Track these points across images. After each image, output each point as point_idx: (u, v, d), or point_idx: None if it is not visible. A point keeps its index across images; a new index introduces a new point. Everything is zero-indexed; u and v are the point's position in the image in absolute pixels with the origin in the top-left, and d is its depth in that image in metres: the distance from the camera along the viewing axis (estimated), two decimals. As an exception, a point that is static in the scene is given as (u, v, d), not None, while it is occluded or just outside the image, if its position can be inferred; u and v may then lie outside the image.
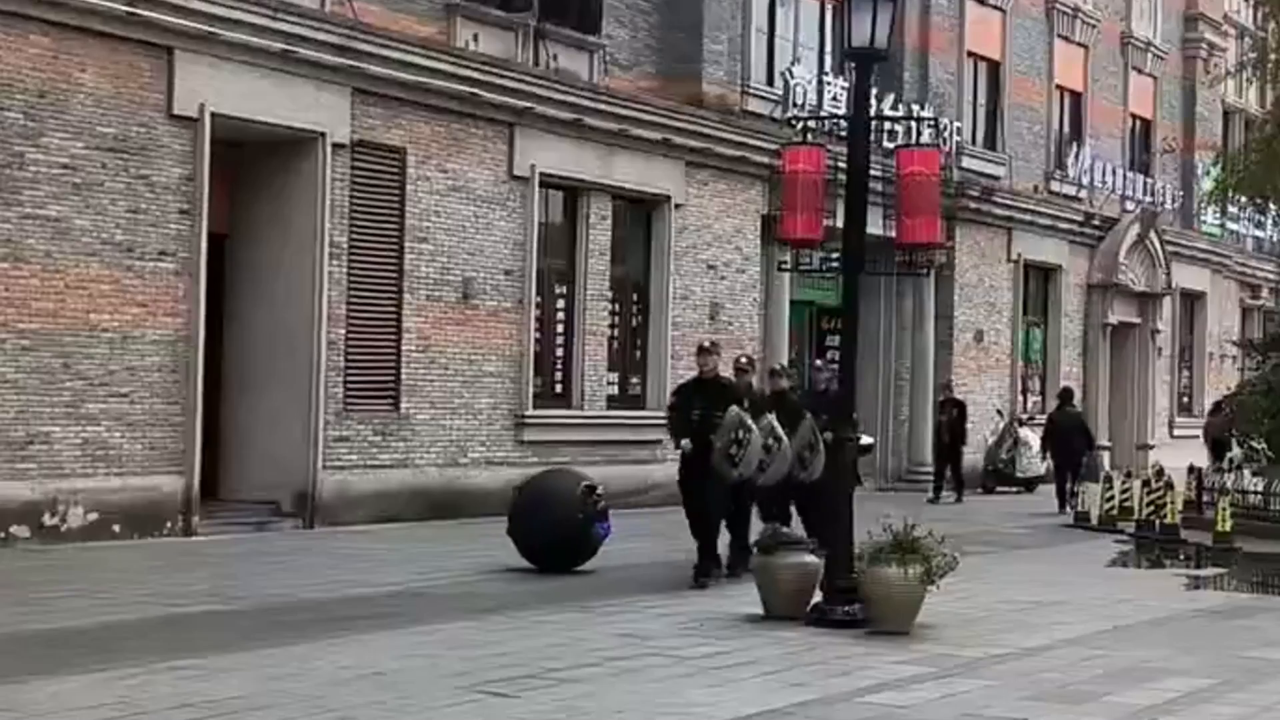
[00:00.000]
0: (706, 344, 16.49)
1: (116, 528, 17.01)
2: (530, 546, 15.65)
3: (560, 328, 23.22)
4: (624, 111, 23.43)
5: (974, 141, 32.71)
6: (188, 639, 11.19)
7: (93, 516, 16.85)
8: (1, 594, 13.09)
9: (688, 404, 15.42)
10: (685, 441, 15.14)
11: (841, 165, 13.78)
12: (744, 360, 16.73)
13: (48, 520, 16.48)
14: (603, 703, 9.39)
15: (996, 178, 32.88)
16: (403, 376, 20.51)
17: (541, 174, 22.29)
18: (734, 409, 14.80)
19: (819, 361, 19.64)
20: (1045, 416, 30.18)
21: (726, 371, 16.46)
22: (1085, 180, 35.65)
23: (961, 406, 29.03)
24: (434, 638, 11.61)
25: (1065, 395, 28.43)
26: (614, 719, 8.93)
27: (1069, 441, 26.61)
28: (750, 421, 14.77)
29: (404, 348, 20.53)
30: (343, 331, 19.61)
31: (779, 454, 15.17)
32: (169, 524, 17.58)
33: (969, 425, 29.29)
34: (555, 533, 15.44)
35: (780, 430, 15.23)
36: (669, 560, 16.07)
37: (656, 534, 18.08)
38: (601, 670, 10.46)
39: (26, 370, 16.31)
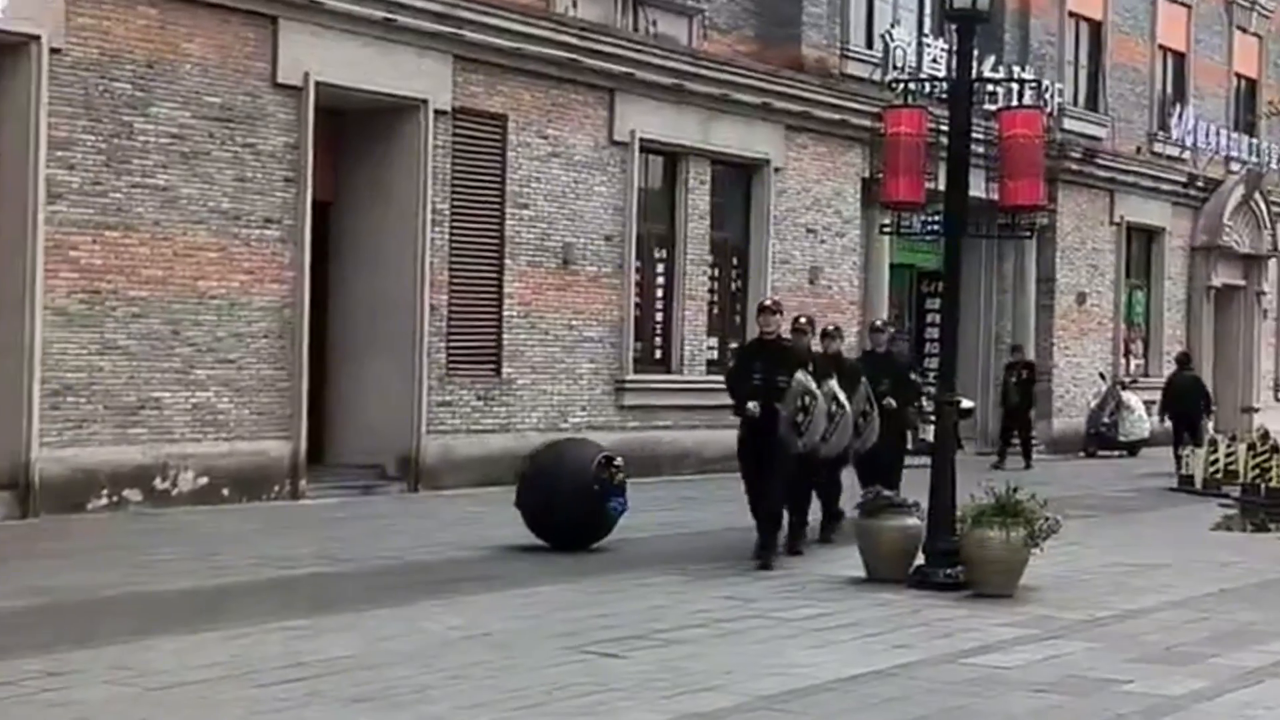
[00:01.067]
0: (768, 302, 15.24)
1: (225, 491, 17.26)
2: (540, 522, 14.51)
3: (660, 293, 23.27)
4: (723, 76, 23.41)
5: (1076, 103, 32.36)
6: (297, 600, 11.38)
7: (202, 480, 17.10)
8: (115, 556, 13.35)
9: (747, 367, 14.26)
10: (752, 405, 13.82)
11: (942, 128, 13.77)
12: (802, 320, 15.56)
13: (158, 484, 16.75)
14: (707, 663, 9.46)
15: (1099, 139, 32.54)
16: (504, 342, 20.65)
17: (641, 139, 22.32)
18: (799, 374, 13.83)
19: (877, 321, 18.53)
20: (1162, 379, 29.86)
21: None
22: (1188, 141, 35.18)
23: (1031, 368, 28.30)
24: (538, 599, 11.74)
25: (1183, 359, 28.13)
26: (719, 679, 8.99)
27: (1186, 404, 26.33)
28: (815, 387, 13.94)
29: (505, 313, 20.66)
30: (445, 298, 19.76)
31: (842, 422, 14.57)
32: (276, 488, 17.81)
33: (1037, 388, 28.79)
34: (567, 508, 14.27)
35: (843, 397, 14.62)
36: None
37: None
38: (706, 631, 10.54)
39: (137, 337, 16.55)
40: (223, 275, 17.33)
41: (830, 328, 16.46)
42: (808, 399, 13.75)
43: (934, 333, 28.87)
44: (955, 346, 13.82)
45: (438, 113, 19.49)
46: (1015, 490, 12.41)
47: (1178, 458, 24.75)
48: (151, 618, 10.50)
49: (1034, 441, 28.10)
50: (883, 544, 12.97)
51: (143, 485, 16.59)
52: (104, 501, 16.18)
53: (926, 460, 13.48)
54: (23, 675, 8.54)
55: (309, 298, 18.15)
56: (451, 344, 19.90)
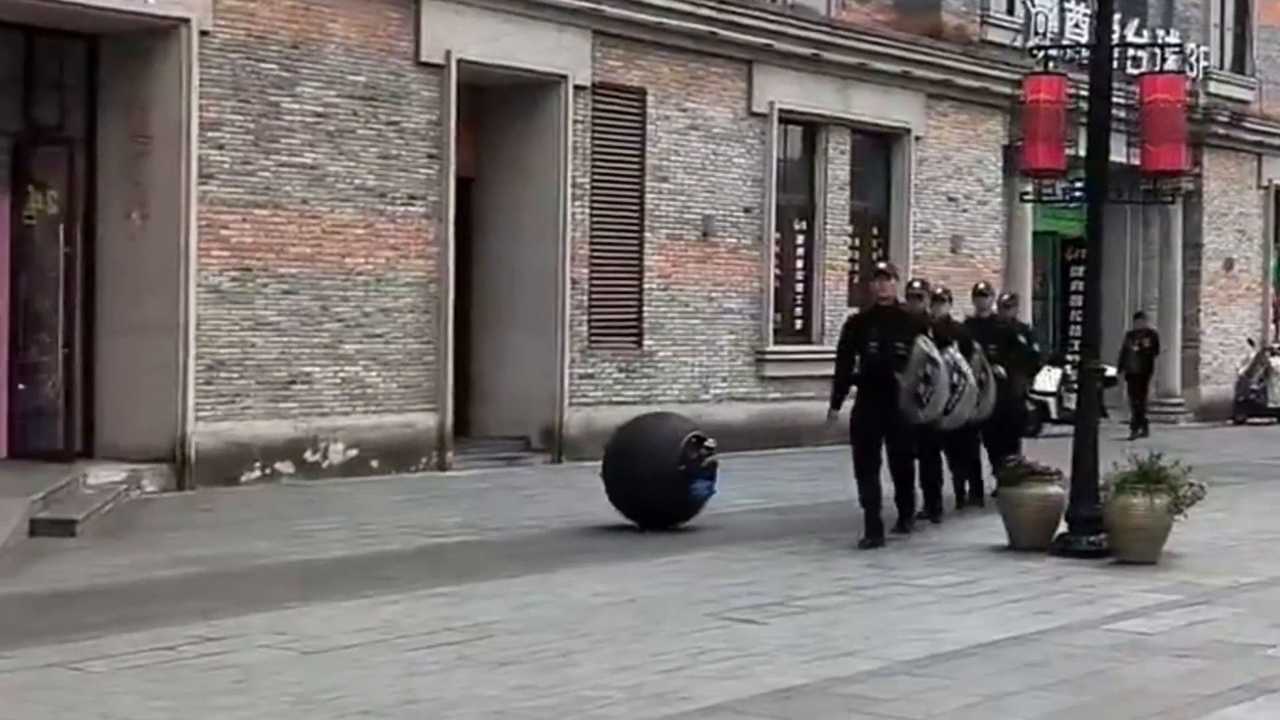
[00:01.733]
0: (883, 265, 14.58)
1: (374, 463, 17.60)
2: (623, 497, 13.90)
3: (800, 263, 23.31)
4: (861, 45, 23.37)
5: (1222, 66, 31.84)
6: (446, 567, 11.64)
7: (352, 453, 17.45)
8: (268, 526, 13.70)
9: (862, 336, 13.26)
10: (836, 413, 13.38)
11: (1084, 94, 13.67)
12: (917, 285, 14.93)
13: (309, 457, 17.12)
14: (847, 629, 9.57)
15: (1246, 102, 32.01)
16: (645, 314, 20.82)
17: (780, 110, 22.36)
18: (920, 341, 12.97)
19: (980, 285, 17.33)
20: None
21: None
22: (1340, 103, 34.50)
23: (1154, 337, 27.62)
24: (680, 567, 11.90)
25: None
26: (858, 644, 9.09)
27: None
28: (938, 355, 13.14)
29: (646, 286, 20.83)
30: (586, 271, 19.97)
31: (965, 392, 13.80)
32: (423, 459, 18.13)
33: (1159, 358, 28.08)
34: (650, 489, 13.64)
35: (965, 365, 13.86)
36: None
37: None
38: (846, 599, 10.64)
39: (287, 313, 16.92)
40: (369, 252, 17.65)
41: (940, 290, 15.65)
42: (930, 368, 12.97)
43: (1079, 300, 28.67)
44: (1099, 314, 13.73)
45: (577, 88, 19.68)
46: (1159, 457, 12.35)
47: None
48: (305, 585, 10.80)
49: (1150, 411, 27.30)
50: (1025, 512, 12.97)
51: (294, 457, 16.96)
52: (257, 474, 16.57)
53: (1066, 429, 13.44)
54: (182, 640, 8.85)
55: (453, 273, 18.41)
56: (593, 317, 20.10)
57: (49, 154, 16.23)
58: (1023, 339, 16.80)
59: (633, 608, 10.21)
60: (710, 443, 13.95)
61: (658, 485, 13.58)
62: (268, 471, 16.67)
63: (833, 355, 13.77)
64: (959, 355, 13.76)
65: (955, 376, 13.49)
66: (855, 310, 16.56)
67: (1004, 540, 13.10)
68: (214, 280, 16.31)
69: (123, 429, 16.08)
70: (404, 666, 8.36)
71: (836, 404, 13.35)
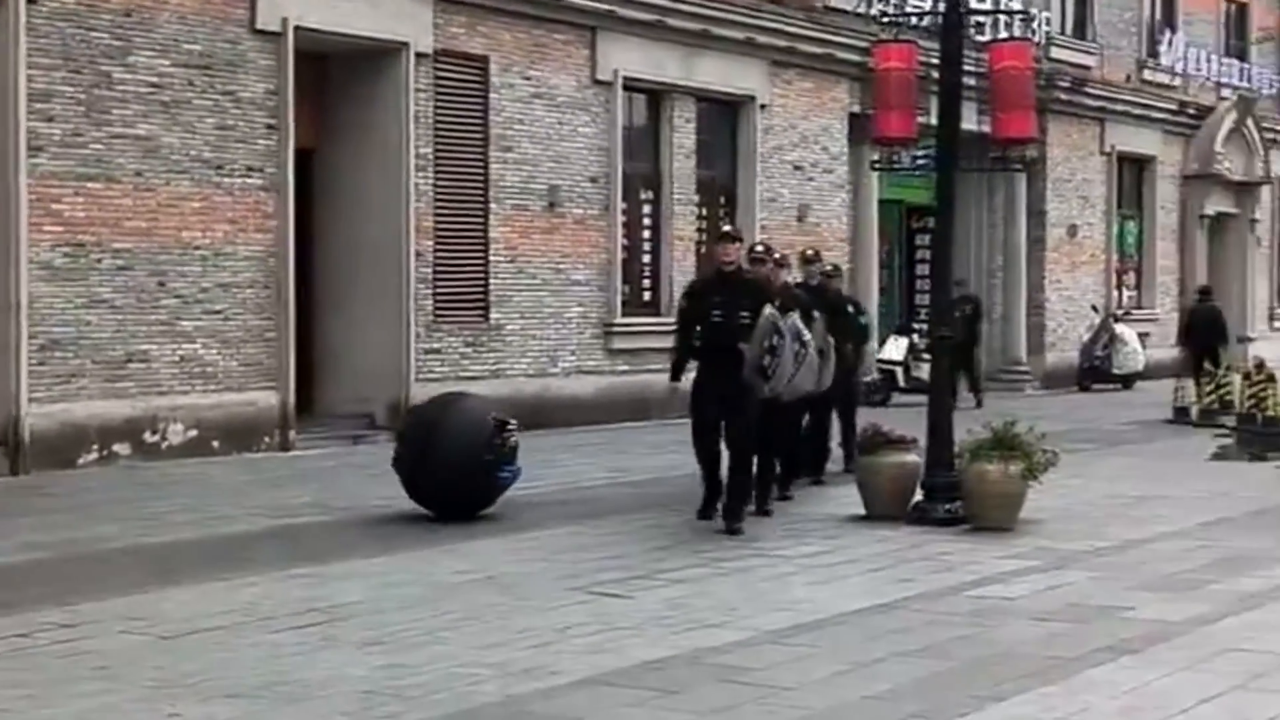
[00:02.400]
0: (727, 229, 14.15)
1: (215, 443, 17.54)
2: (422, 486, 13.27)
3: (647, 234, 23.54)
4: (705, 11, 23.60)
5: (1064, 31, 32.56)
6: (300, 549, 11.68)
7: (192, 433, 17.38)
8: (112, 510, 13.63)
9: (704, 304, 12.85)
10: (679, 383, 12.95)
11: (933, 61, 14.02)
12: (760, 249, 13.99)
13: (148, 437, 17.02)
14: (712, 600, 9.80)
15: (1087, 68, 32.78)
16: (491, 287, 20.92)
17: (624, 78, 22.54)
18: (768, 310, 12.47)
19: (809, 251, 16.81)
20: (1155, 311, 30.07)
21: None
22: (1179, 68, 35.46)
23: (976, 304, 27.46)
24: (541, 542, 12.06)
25: (1204, 290, 28.41)
26: (725, 615, 9.33)
27: (1207, 335, 26.63)
28: (783, 324, 12.64)
29: (492, 258, 20.92)
30: (430, 243, 20.01)
31: (806, 362, 13.25)
32: (266, 439, 18.10)
33: (983, 326, 28.19)
34: (452, 478, 12.94)
35: (807, 334, 13.25)
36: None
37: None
38: (708, 570, 10.87)
39: (123, 289, 16.78)
40: (206, 225, 17.55)
41: (779, 255, 15.04)
42: (775, 338, 12.44)
43: (924, 269, 29.22)
44: (949, 281, 14.11)
45: (419, 56, 19.70)
46: (1013, 424, 12.74)
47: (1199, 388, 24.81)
48: (158, 569, 10.79)
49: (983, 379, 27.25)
50: (881, 480, 13.30)
51: (132, 439, 16.85)
52: (94, 456, 16.45)
53: (915, 398, 13.74)
54: (37, 627, 8.84)
55: (294, 247, 18.37)
56: (438, 290, 20.16)
57: None
58: (850, 309, 16.91)
59: (495, 585, 10.35)
60: (513, 424, 13.38)
61: (462, 475, 12.91)
62: (105, 453, 16.55)
63: (680, 327, 13.27)
64: (800, 324, 13.20)
65: (797, 346, 12.92)
66: (688, 279, 16.30)
67: (860, 510, 13.43)
68: (46, 257, 16.14)
69: (-48, 412, 15.90)
70: (268, 649, 8.44)
71: (677, 375, 12.99)
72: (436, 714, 7.20)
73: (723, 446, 12.79)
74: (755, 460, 12.96)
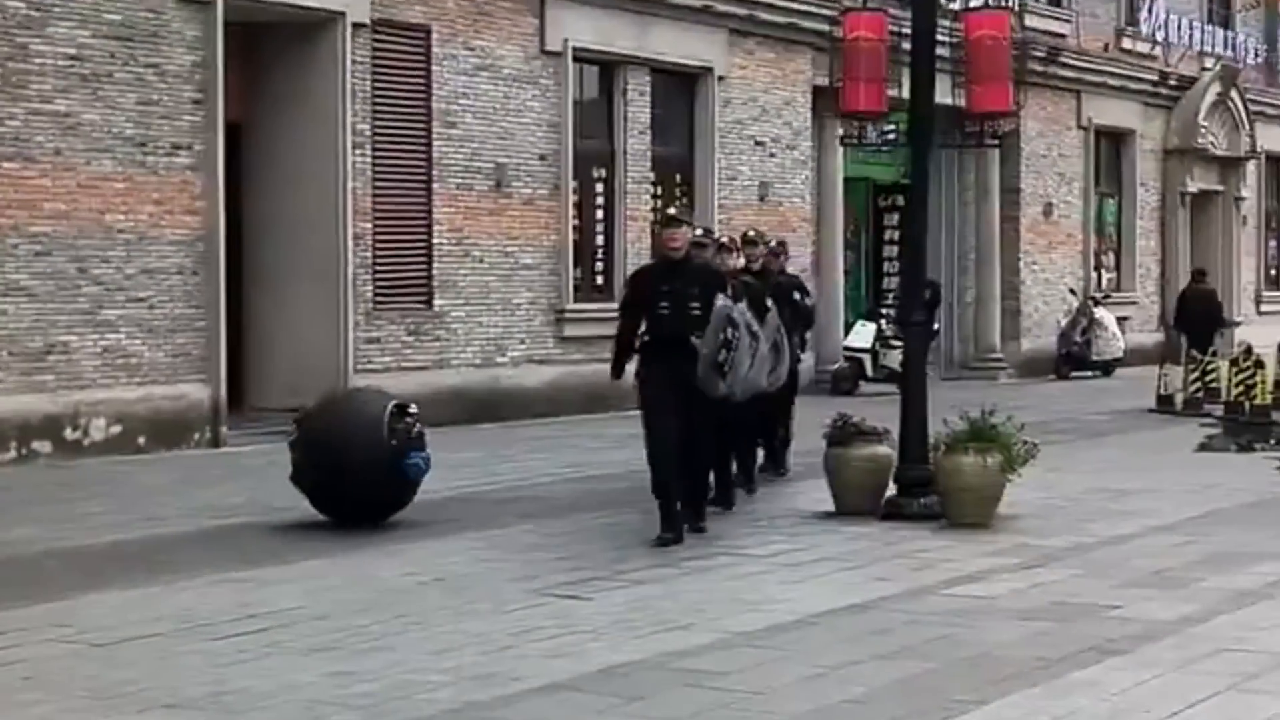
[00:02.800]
0: (673, 210, 13.61)
1: (141, 440, 17.51)
2: (324, 493, 12.85)
3: (600, 214, 23.59)
4: (660, -23, 23.71)
5: (1038, -2, 32.78)
6: (235, 551, 11.69)
7: (116, 429, 17.36)
8: (33, 511, 13.61)
9: (651, 294, 12.30)
10: (616, 371, 12.57)
11: (904, 30, 14.12)
12: (700, 232, 13.49)
13: (69, 434, 16.99)
14: (677, 602, 9.88)
15: (1063, 36, 32.96)
16: (435, 272, 20.95)
17: (575, 48, 22.58)
18: (721, 300, 12.01)
19: (750, 232, 16.15)
20: (1135, 294, 30.24)
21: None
22: (1159, 36, 35.68)
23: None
24: (492, 542, 12.13)
25: (1199, 273, 28.65)
26: (692, 617, 9.41)
27: (1200, 319, 26.85)
28: (737, 316, 12.12)
29: (435, 241, 20.95)
30: (369, 225, 20.03)
31: (759, 357, 12.62)
32: (196, 435, 18.09)
33: (941, 312, 26.31)
34: (358, 476, 12.49)
35: (756, 325, 12.61)
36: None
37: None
38: (672, 570, 10.94)
39: (41, 276, 16.75)
40: (130, 207, 17.53)
41: (725, 239, 14.87)
42: (731, 331, 11.95)
43: (892, 250, 29.39)
44: (922, 264, 14.21)
45: (356, 25, 19.71)
46: (991, 414, 12.84)
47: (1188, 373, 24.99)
48: (84, 573, 10.80)
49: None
50: (851, 474, 13.39)
51: (52, 435, 16.82)
52: (11, 454, 16.41)
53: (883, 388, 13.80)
54: (-43, 635, 8.84)
55: (224, 229, 18.35)
56: (378, 275, 20.18)
57: None
58: (797, 295, 16.29)
59: (444, 587, 10.41)
60: (413, 409, 13.10)
61: (367, 470, 12.47)
62: (24, 451, 16.52)
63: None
64: (750, 315, 12.54)
65: (748, 339, 12.28)
66: (642, 264, 15.73)
67: (830, 505, 13.51)
68: (-42, 242, 16.12)
69: None
70: (207, 656, 8.46)
71: (618, 371, 12.55)
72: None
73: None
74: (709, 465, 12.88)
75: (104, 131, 17.26)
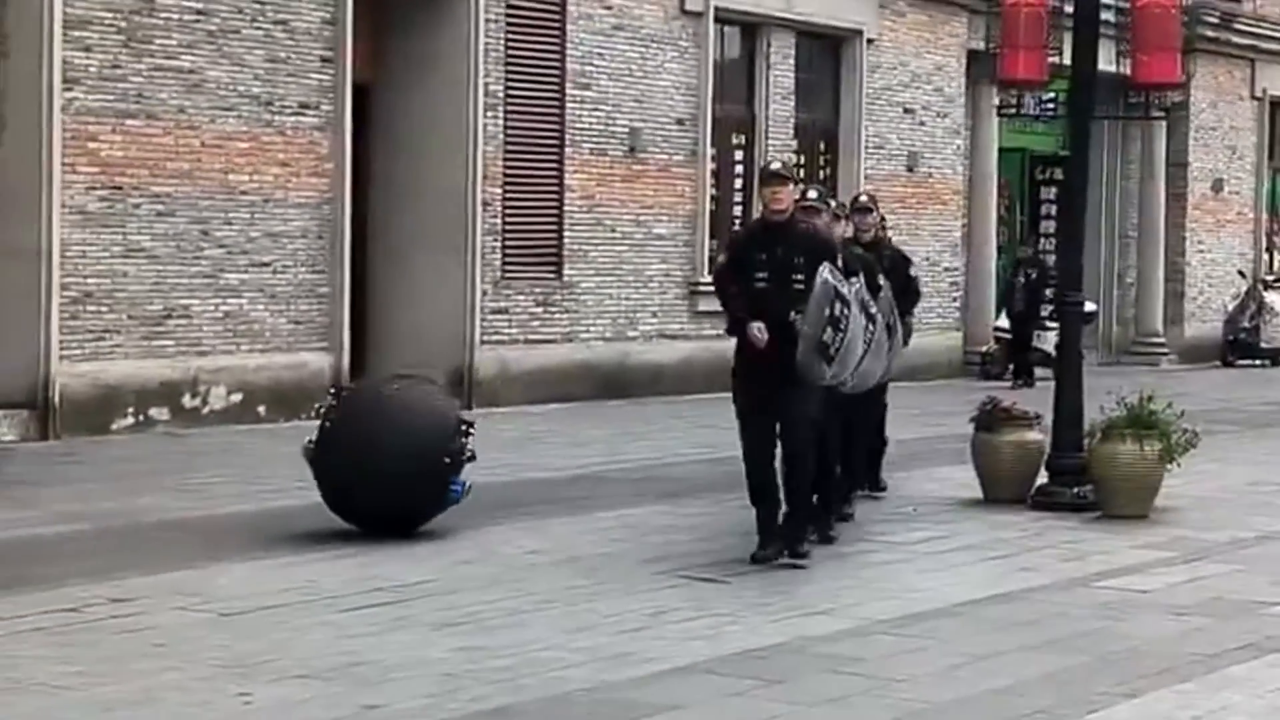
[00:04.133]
0: (776, 166, 11.99)
1: (261, 409, 18.01)
2: (351, 499, 11.61)
3: (739, 183, 23.87)
4: (809, -66, 23.94)
5: (1211, -41, 32.64)
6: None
7: (236, 397, 17.87)
8: (151, 480, 14.10)
9: (748, 263, 11.06)
10: (757, 326, 10.76)
11: (1066, -6, 14.26)
12: (813, 195, 12.08)
13: (188, 402, 17.51)
14: (815, 587, 10.21)
15: (1237, 0, 32.80)
16: (565, 241, 21.33)
17: (716, 8, 22.86)
18: (825, 271, 10.57)
19: (862, 197, 14.96)
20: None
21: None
22: (1343, 1, 35.40)
23: (1043, 268, 26.06)
24: (624, 522, 12.46)
25: None
26: (829, 603, 9.72)
27: None
28: (847, 291, 10.77)
29: (566, 208, 21.32)
30: (499, 191, 20.43)
31: (876, 342, 11.48)
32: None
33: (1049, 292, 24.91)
34: (401, 484, 11.31)
35: (874, 306, 11.51)
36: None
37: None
38: (811, 556, 11.21)
39: (162, 238, 17.27)
40: (255, 168, 18.02)
41: (839, 205, 13.40)
42: (840, 307, 10.56)
43: (1049, 226, 29.46)
44: (1081, 243, 14.36)
45: (490, -17, 20.14)
46: (1150, 399, 13.02)
47: None
48: (207, 542, 11.26)
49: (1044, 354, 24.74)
50: (1001, 461, 13.62)
51: (171, 403, 17.35)
52: (129, 421, 16.94)
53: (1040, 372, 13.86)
54: (84, 602, 9.28)
55: (350, 193, 18.83)
56: (507, 243, 20.59)
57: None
58: (913, 273, 14.88)
59: (576, 566, 10.76)
60: (473, 428, 11.94)
61: (413, 482, 11.38)
62: (141, 418, 17.04)
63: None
64: (866, 293, 11.40)
65: (864, 320, 11.07)
66: (739, 229, 14.25)
67: (977, 493, 13.75)
68: (80, 200, 16.64)
69: (-27, 371, 16.45)
70: (335, 628, 8.86)
71: (739, 324, 11.06)
72: (524, 699, 7.58)
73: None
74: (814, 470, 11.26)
75: (229, 89, 17.75)
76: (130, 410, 17.01)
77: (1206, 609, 9.81)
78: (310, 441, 11.89)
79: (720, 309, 12.10)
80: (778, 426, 10.94)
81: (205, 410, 17.63)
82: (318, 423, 12.17)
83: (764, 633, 8.87)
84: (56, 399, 16.37)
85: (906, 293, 14.02)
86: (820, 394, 10.95)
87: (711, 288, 22.59)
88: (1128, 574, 10.81)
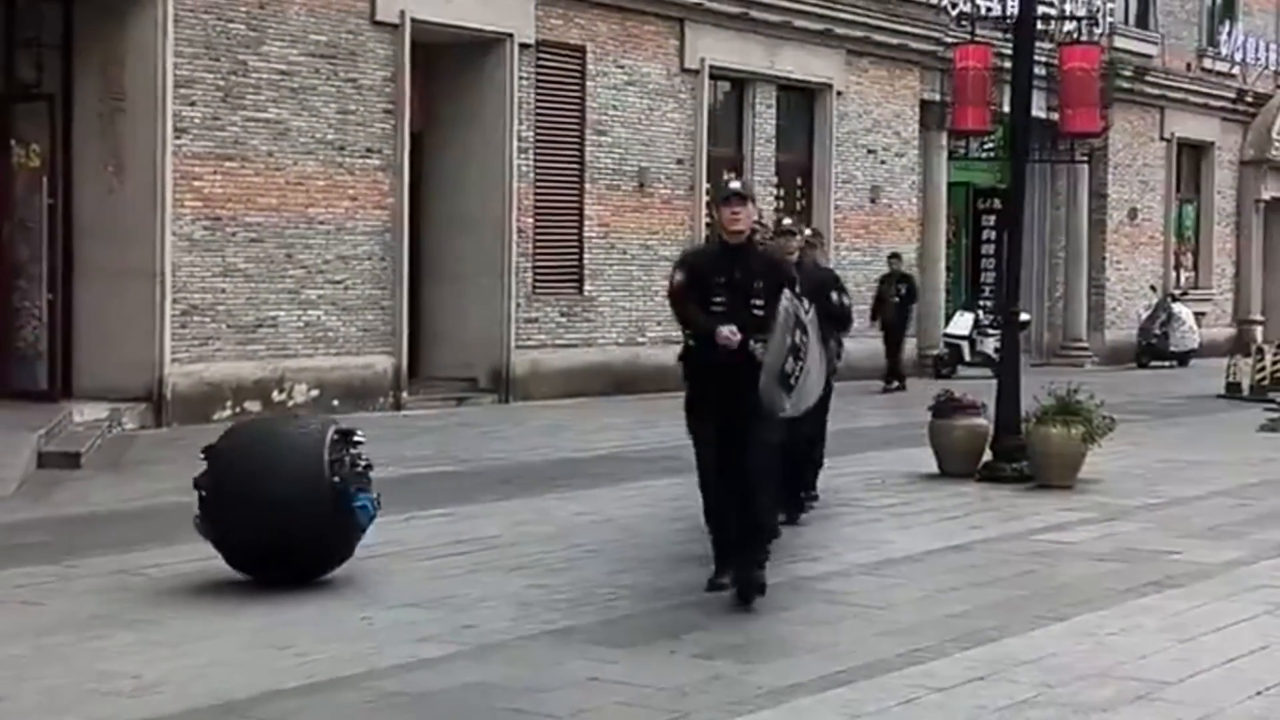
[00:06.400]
0: (736, 185, 9.74)
1: (335, 402, 18.80)
2: (238, 545, 9.21)
3: (728, 213, 24.57)
4: (786, 4, 24.69)
5: (1127, 21, 33.34)
6: (433, 494, 12.90)
7: (314, 392, 18.70)
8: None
9: (703, 284, 9.14)
10: (728, 329, 8.87)
11: (1005, 52, 15.08)
12: (788, 222, 11.33)
13: (276, 396, 18.34)
14: (806, 539, 11.04)
15: (1149, 56, 33.59)
16: (586, 261, 22.18)
17: (711, 66, 23.71)
18: (787, 298, 8.93)
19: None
20: (1213, 291, 30.82)
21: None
22: (1238, 57, 36.23)
23: (910, 282, 25.49)
24: (645, 493, 13.29)
25: None
26: (820, 551, 10.58)
27: None
28: (805, 317, 9.06)
29: (586, 234, 22.18)
30: (530, 220, 21.27)
31: (818, 365, 9.42)
32: (381, 399, 19.41)
33: (916, 306, 25.80)
34: (290, 524, 8.92)
35: (814, 329, 9.29)
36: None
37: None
38: (802, 517, 12.06)
39: (255, 260, 18.10)
40: (330, 202, 18.86)
41: (811, 232, 12.57)
42: (799, 335, 8.94)
43: (989, 248, 30.30)
44: (1019, 262, 15.21)
45: (522, 46, 20.94)
46: (1075, 391, 13.89)
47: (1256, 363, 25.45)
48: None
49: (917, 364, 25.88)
50: (954, 441, 14.46)
51: (262, 397, 18.18)
52: (228, 412, 17.74)
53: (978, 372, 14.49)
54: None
55: (408, 223, 19.67)
56: (537, 264, 21.43)
57: (30, 110, 17.29)
58: (834, 294, 12.12)
59: (614, 525, 11.61)
60: (360, 436, 9.65)
61: (305, 518, 8.96)
62: (238, 410, 17.85)
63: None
64: (812, 314, 9.42)
65: (818, 345, 9.38)
66: (691, 248, 11.54)
67: (934, 468, 14.59)
68: (187, 229, 17.46)
69: (102, 371, 17.22)
70: (427, 574, 9.71)
71: (709, 327, 8.98)
72: (585, 621, 8.45)
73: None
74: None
75: (309, 137, 18.59)
76: (229, 403, 17.83)
77: (1121, 556, 10.66)
78: (196, 518, 9.37)
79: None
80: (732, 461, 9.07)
81: (290, 403, 18.44)
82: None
83: (770, 573, 9.67)
84: (169, 394, 17.19)
85: (829, 317, 11.34)
86: (781, 428, 9.23)
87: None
88: (1057, 530, 11.67)
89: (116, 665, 7.41)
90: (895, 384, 24.49)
